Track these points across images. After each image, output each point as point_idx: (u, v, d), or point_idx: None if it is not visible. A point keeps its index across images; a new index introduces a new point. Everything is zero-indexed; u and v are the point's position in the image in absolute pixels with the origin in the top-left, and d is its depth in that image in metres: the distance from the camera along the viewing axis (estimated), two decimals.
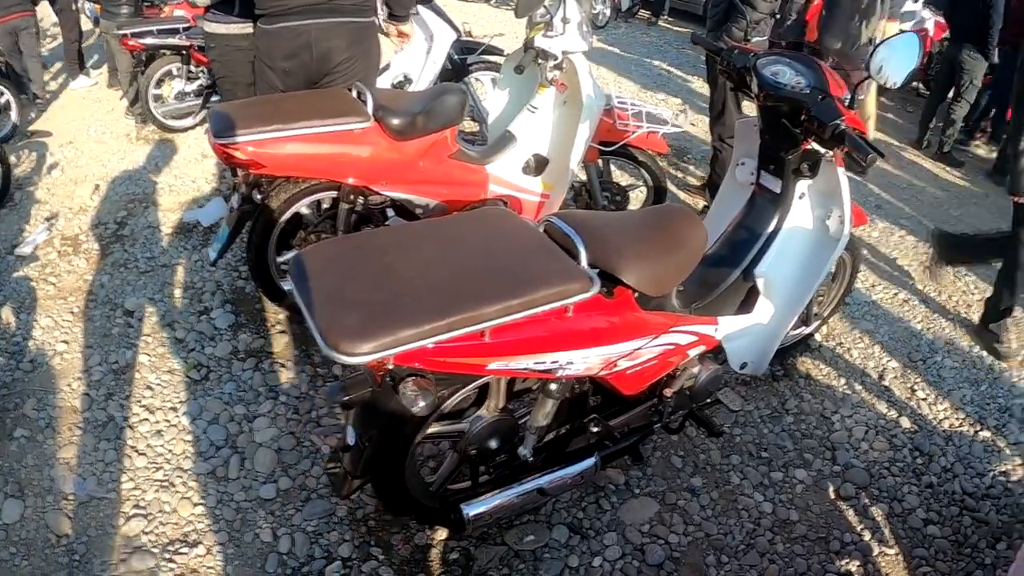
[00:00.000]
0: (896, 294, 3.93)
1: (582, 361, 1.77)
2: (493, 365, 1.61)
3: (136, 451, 2.50)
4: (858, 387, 3.11)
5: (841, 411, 2.94)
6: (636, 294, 1.88)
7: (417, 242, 1.69)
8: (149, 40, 5.18)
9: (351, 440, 1.77)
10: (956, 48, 6.22)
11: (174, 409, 2.68)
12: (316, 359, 2.91)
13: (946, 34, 7.23)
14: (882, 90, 6.60)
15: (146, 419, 2.63)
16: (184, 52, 5.30)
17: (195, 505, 2.32)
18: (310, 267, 1.57)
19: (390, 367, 1.51)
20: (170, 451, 2.51)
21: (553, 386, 1.82)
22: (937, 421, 3.00)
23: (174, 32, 5.23)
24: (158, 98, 5.37)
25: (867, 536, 2.42)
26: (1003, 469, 2.81)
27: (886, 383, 3.17)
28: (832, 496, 2.55)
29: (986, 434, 2.98)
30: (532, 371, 1.70)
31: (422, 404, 1.53)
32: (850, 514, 2.50)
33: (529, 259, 1.67)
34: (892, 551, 2.39)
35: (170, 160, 4.88)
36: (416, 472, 1.97)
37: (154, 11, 6.09)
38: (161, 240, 3.79)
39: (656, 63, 8.54)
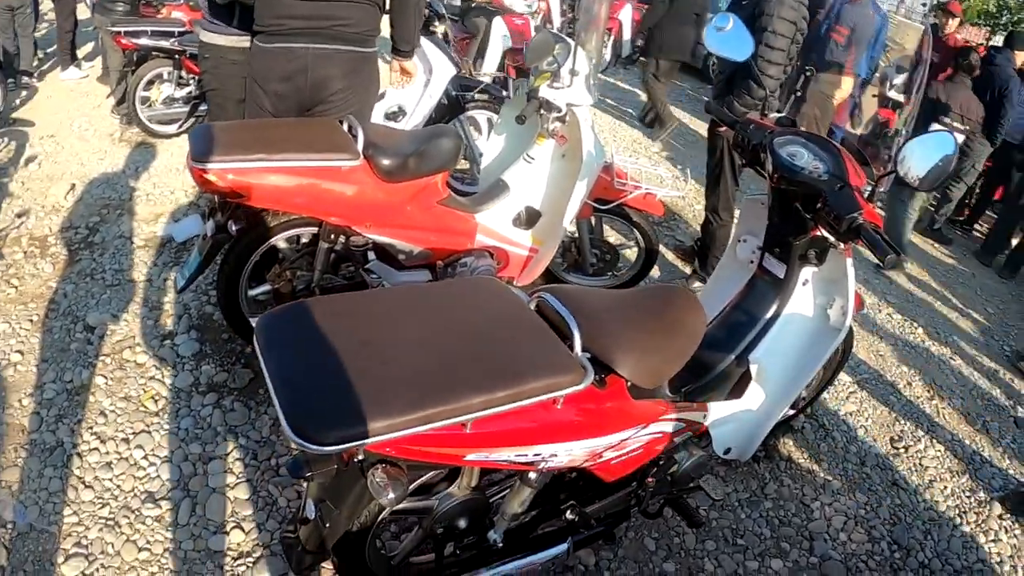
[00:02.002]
0: (881, 375, 3.86)
1: (566, 454, 1.66)
2: (471, 456, 1.49)
3: (83, 483, 2.35)
4: (839, 473, 3.02)
5: (821, 498, 2.85)
6: (629, 383, 1.77)
7: (400, 313, 1.57)
8: (143, 40, 5.03)
9: (310, 514, 1.64)
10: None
11: (126, 440, 2.52)
12: None
13: None
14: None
15: (96, 448, 2.48)
16: (176, 57, 5.16)
17: (140, 550, 2.17)
18: (279, 333, 1.44)
19: (360, 456, 1.39)
20: (118, 487, 2.36)
21: (533, 475, 1.70)
22: (917, 513, 2.93)
23: (169, 35, 5.09)
24: (145, 100, 5.21)
25: None
26: (980, 567, 2.76)
27: (867, 470, 3.09)
28: None
29: (965, 529, 2.92)
30: (513, 463, 1.58)
31: (391, 496, 1.40)
32: None
33: (519, 342, 1.56)
34: None
35: (150, 166, 4.73)
36: (377, 548, 1.84)
37: (151, 11, 5.95)
38: (132, 252, 3.63)
39: None
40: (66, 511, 2.25)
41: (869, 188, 2.28)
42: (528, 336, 1.59)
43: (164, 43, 5.07)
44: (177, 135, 5.29)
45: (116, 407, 2.66)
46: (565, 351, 1.57)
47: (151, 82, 5.23)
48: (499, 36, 6.47)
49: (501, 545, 1.87)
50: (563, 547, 1.99)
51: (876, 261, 2.04)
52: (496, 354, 1.50)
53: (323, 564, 2.06)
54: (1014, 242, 6.50)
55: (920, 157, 2.18)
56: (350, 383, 1.33)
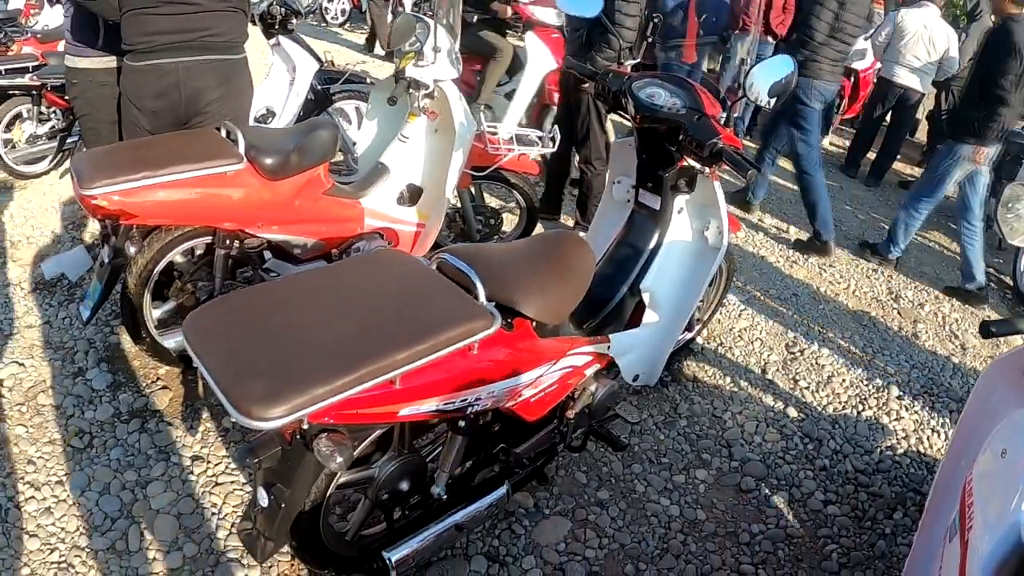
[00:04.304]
0: (768, 290, 4.15)
1: (489, 396, 1.79)
2: (404, 411, 1.61)
3: (27, 533, 2.31)
4: (744, 383, 3.26)
5: (731, 409, 3.08)
6: (534, 323, 1.91)
7: (313, 293, 1.66)
8: None
9: (263, 501, 1.71)
10: None
11: (60, 483, 2.49)
12: (204, 414, 2.79)
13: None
14: None
15: (32, 496, 2.44)
16: (35, 92, 4.98)
17: None
18: (205, 329, 1.51)
19: (304, 427, 1.48)
20: (63, 529, 2.34)
21: (462, 423, 1.83)
22: (822, 407, 3.20)
23: (23, 71, 4.89)
24: (8, 143, 5.02)
25: (773, 524, 2.54)
26: (889, 444, 3.03)
27: (769, 377, 3.34)
28: (734, 491, 2.67)
29: (868, 413, 3.20)
30: (443, 412, 1.71)
31: (339, 460, 1.50)
32: (753, 506, 2.62)
33: (429, 300, 1.68)
34: (798, 535, 2.52)
35: (25, 209, 4.57)
36: (331, 526, 1.93)
37: (1, 49, 5.71)
38: (24, 299, 3.54)
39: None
40: (17, 565, 2.22)
41: (724, 116, 2.49)
42: (436, 293, 1.72)
43: (20, 79, 4.88)
44: (47, 172, 5.12)
45: (43, 452, 2.62)
46: (472, 301, 1.71)
47: (11, 123, 5.04)
48: (538, 56, 5.07)
49: (445, 498, 1.99)
50: (502, 490, 2.11)
51: (740, 177, 2.25)
52: (411, 313, 1.62)
53: (282, 551, 2.14)
54: (871, 155, 6.97)
55: (765, 80, 2.39)
56: (282, 360, 1.42)
